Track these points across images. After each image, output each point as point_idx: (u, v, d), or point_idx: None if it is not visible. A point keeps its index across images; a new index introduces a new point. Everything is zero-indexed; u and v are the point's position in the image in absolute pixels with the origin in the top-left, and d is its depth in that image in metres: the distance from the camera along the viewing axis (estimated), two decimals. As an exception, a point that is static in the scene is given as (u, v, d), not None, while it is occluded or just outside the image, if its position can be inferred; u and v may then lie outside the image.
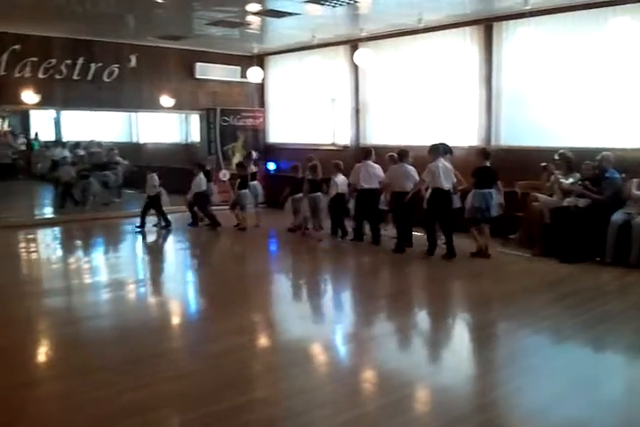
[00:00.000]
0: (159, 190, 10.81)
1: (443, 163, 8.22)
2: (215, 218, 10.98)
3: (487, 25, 9.93)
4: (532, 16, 9.00)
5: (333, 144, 12.58)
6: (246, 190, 10.79)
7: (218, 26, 10.58)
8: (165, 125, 17.20)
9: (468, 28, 10.17)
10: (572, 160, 8.45)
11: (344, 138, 12.41)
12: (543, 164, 8.78)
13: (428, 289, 7.31)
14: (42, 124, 23.51)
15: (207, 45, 12.69)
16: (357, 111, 12.18)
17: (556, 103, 9.28)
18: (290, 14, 9.64)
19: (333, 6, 9.07)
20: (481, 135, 10.17)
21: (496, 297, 6.61)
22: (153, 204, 10.91)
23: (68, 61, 11.60)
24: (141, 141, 18.33)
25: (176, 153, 15.57)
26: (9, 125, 23.64)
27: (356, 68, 11.88)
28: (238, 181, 10.94)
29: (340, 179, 9.69)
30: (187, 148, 15.90)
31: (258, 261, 9.08)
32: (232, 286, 7.31)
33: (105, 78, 12.07)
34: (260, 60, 13.67)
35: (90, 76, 11.87)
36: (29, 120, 23.86)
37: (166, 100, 12.90)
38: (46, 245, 10.48)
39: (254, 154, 12.46)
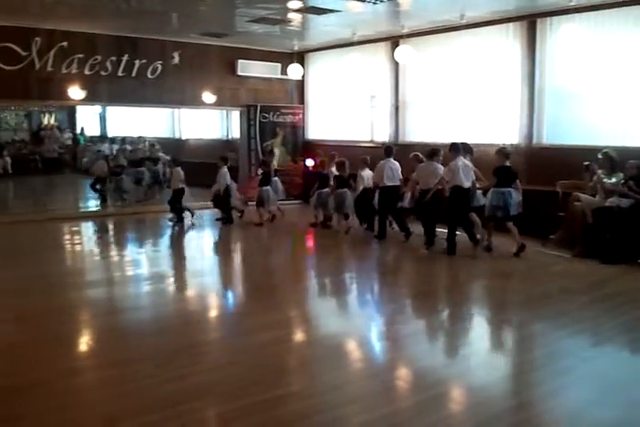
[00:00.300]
0: (183, 185, 10.92)
1: (463, 161, 8.34)
2: (231, 214, 11.13)
3: (531, 21, 9.77)
4: (577, 12, 8.83)
5: (372, 141, 12.56)
6: (268, 187, 10.94)
7: (259, 23, 10.67)
8: (207, 122, 17.43)
9: (510, 25, 10.03)
10: (615, 159, 8.27)
11: (383, 135, 12.38)
12: (586, 163, 8.62)
13: (463, 288, 7.26)
14: (87, 120, 24.10)
15: (248, 42, 12.81)
16: (397, 108, 12.13)
17: (600, 101, 9.08)
18: (331, 11, 9.67)
19: (374, 3, 9.05)
20: (522, 133, 10.03)
21: (534, 297, 6.53)
22: (178, 198, 11.00)
23: (113, 58, 11.86)
24: (183, 137, 18.62)
25: (217, 149, 15.76)
26: (56, 120, 24.27)
27: (396, 64, 11.84)
28: (260, 177, 11.15)
29: (367, 173, 9.90)
30: (227, 144, 16.10)
31: (287, 256, 9.18)
32: (265, 281, 7.41)
33: (149, 75, 12.29)
34: (300, 56, 13.73)
35: (134, 73, 12.11)
36: (75, 115, 24.48)
37: (208, 97, 13.06)
38: (87, 237, 10.76)
39: (275, 151, 12.56)
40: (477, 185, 8.49)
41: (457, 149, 8.45)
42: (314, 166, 10.96)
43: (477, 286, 7.22)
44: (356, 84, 12.85)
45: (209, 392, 4.08)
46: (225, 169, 10.92)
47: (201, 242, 10.44)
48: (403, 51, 10.79)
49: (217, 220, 11.32)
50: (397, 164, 9.46)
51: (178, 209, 11.08)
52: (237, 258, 9.40)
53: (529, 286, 7.05)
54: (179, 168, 11.02)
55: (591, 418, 3.71)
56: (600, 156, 8.38)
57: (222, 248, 10.00)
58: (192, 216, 11.19)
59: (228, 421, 3.74)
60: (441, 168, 8.72)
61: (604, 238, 7.87)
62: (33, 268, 7.89)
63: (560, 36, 9.31)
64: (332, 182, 10.24)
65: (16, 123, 23.91)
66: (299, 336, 5.54)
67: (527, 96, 9.95)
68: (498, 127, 10.34)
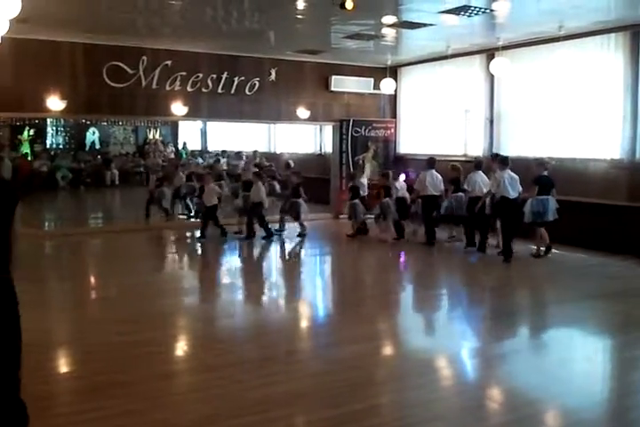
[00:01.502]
0: (216, 202, 10.70)
1: (509, 173, 8.89)
2: (253, 230, 10.85)
3: (634, 32, 9.36)
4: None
5: (465, 155, 12.39)
6: (357, 200, 10.97)
7: (354, 39, 10.82)
8: (300, 136, 17.78)
9: (612, 35, 9.65)
10: None
11: (476, 149, 12.18)
12: None
13: (563, 306, 6.94)
14: (189, 135, 25.20)
15: (342, 58, 13.00)
16: (491, 122, 11.92)
17: None
18: (424, 25, 9.67)
19: (469, 16, 8.99)
20: (624, 147, 9.58)
21: (635, 318, 6.21)
22: (211, 213, 10.74)
23: (214, 75, 12.36)
24: (278, 151, 19.08)
25: (310, 163, 16.04)
26: (160, 135, 25.52)
27: (491, 77, 11.65)
28: (350, 191, 11.25)
29: (401, 184, 10.78)
30: (320, 158, 16.34)
31: (375, 268, 9.18)
32: (354, 293, 7.45)
33: (247, 91, 12.72)
34: (393, 71, 13.77)
35: (233, 90, 12.56)
36: (178, 130, 25.65)
37: (302, 112, 13.35)
38: (184, 246, 11.16)
39: (291, 163, 12.59)
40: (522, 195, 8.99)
41: (505, 161, 9.02)
42: (380, 179, 11.37)
43: (570, 305, 6.90)
44: (450, 98, 12.73)
45: (296, 401, 4.15)
46: (259, 184, 10.74)
47: (284, 253, 10.63)
48: (498, 63, 10.60)
49: (235, 233, 11.09)
50: (439, 175, 10.19)
51: (206, 225, 10.74)
52: (326, 270, 9.51)
53: (631, 306, 6.70)
54: (212, 184, 10.95)
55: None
56: None
57: (309, 260, 10.14)
58: (225, 235, 10.81)
59: (313, 431, 3.82)
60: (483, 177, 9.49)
61: None
62: (135, 275, 8.33)
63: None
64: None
65: (124, 137, 25.36)
66: (388, 350, 5.55)
67: (630, 109, 9.50)
68: (598, 141, 9.93)
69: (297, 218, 11.10)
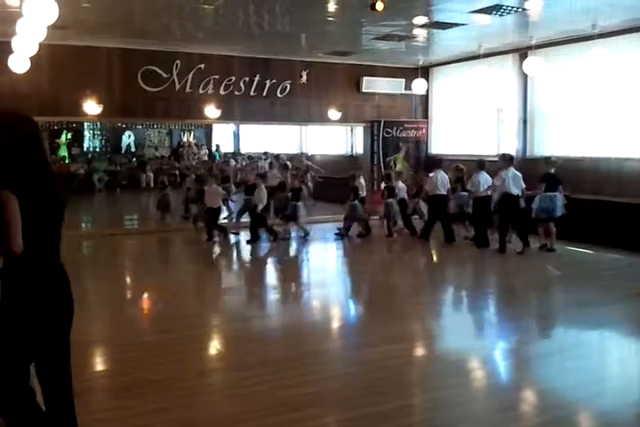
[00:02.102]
0: (220, 204, 10.59)
1: (513, 171, 9.22)
2: (257, 232, 10.71)
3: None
4: None
5: (498, 155, 12.24)
6: (392, 200, 10.96)
7: (385, 40, 10.83)
8: (332, 137, 17.82)
9: (648, 32, 9.48)
10: None
11: (509, 149, 12.04)
12: None
13: (602, 307, 6.82)
14: (222, 137, 25.45)
15: (373, 59, 13.01)
16: (525, 121, 11.79)
17: None
18: (456, 25, 9.63)
19: (501, 15, 8.92)
20: (663, 146, 9.41)
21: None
22: (214, 216, 10.59)
23: (246, 78, 12.49)
24: (310, 153, 19.14)
25: (341, 164, 16.06)
26: (194, 138, 25.84)
27: (524, 76, 11.53)
28: (385, 191, 11.22)
29: (401, 185, 11.18)
30: (351, 159, 16.35)
31: (408, 268, 9.17)
32: (385, 294, 7.45)
33: (278, 94, 12.82)
34: (424, 71, 13.72)
35: (265, 92, 12.68)
36: (212, 133, 25.92)
37: (333, 114, 13.39)
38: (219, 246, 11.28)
39: (289, 164, 12.52)
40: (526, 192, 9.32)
41: (510, 159, 9.44)
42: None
43: (612, 306, 6.77)
44: (482, 98, 12.63)
45: (326, 400, 4.18)
46: (262, 187, 10.66)
47: (321, 254, 10.67)
48: (532, 62, 10.48)
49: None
50: (446, 175, 10.49)
51: (212, 227, 10.56)
52: (358, 271, 9.51)
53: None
54: (215, 185, 10.78)
55: None
56: None
57: (340, 261, 10.17)
58: (225, 236, 10.79)
59: (343, 429, 3.84)
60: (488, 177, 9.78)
61: None
62: (168, 275, 8.47)
63: None
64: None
65: (158, 140, 25.75)
66: (419, 351, 5.54)
67: (668, 106, 9.33)
68: (633, 140, 9.75)
69: (295, 221, 10.91)
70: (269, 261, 10.14)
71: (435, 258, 10.20)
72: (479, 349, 5.40)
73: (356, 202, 10.92)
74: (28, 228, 2.73)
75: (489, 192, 9.53)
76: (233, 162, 19.80)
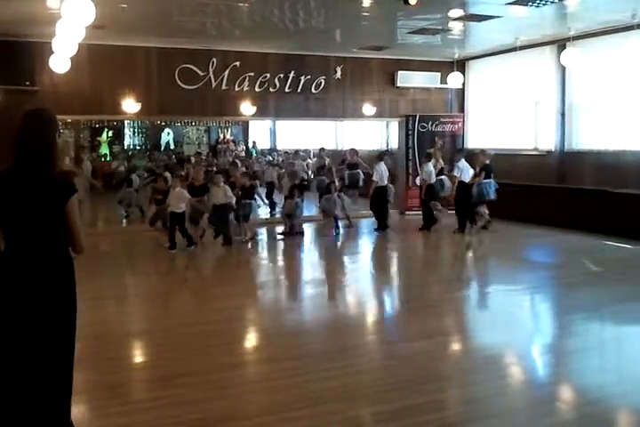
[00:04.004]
0: (184, 208, 9.32)
1: (464, 162, 10.74)
2: (254, 236, 10.55)
3: None
4: None
5: (536, 149, 12.10)
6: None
7: (420, 34, 10.76)
8: (366, 133, 17.79)
9: (692, 20, 9.21)
10: None
11: (547, 142, 11.88)
12: None
13: (633, 302, 6.71)
14: (259, 134, 25.63)
15: (408, 54, 12.94)
16: (563, 114, 11.58)
17: None
18: (492, 17, 9.51)
19: (537, 6, 8.78)
20: None
21: None
22: (179, 221, 9.36)
23: (281, 75, 12.56)
24: (345, 148, 19.13)
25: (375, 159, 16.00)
26: (231, 135, 26.08)
27: (562, 69, 11.32)
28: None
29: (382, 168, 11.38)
30: (385, 154, 16.25)
31: (444, 263, 9.11)
32: (419, 289, 7.44)
33: (312, 90, 12.85)
34: (460, 65, 13.58)
35: (299, 89, 12.73)
36: (248, 130, 26.12)
37: (368, 109, 13.36)
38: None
39: (238, 162, 12.92)
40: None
41: (458, 151, 11.43)
42: None
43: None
44: (519, 90, 12.44)
45: (355, 394, 4.20)
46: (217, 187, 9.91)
47: (358, 249, 10.69)
48: (570, 54, 10.30)
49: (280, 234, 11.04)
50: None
51: (184, 232, 9.47)
52: (392, 265, 9.54)
53: None
54: (179, 188, 9.43)
55: None
56: None
57: (373, 255, 10.20)
58: (191, 246, 9.53)
59: (371, 424, 3.86)
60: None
61: None
62: (206, 269, 8.59)
63: None
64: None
65: (197, 137, 26.07)
66: (454, 346, 5.51)
67: None
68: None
69: (290, 218, 10.76)
70: (304, 257, 10.17)
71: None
72: (514, 344, 5.33)
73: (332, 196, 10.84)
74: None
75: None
76: (269, 158, 19.94)
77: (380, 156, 11.73)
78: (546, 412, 3.96)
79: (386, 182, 11.31)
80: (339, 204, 11.04)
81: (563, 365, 4.88)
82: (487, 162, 10.61)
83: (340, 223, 11.14)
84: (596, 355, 5.08)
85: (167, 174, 11.42)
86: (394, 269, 9.32)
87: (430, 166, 11.11)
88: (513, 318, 6.27)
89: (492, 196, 10.49)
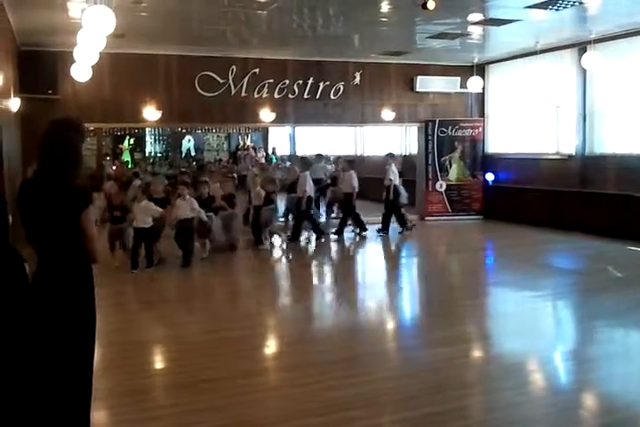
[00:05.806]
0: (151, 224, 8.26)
1: (394, 167, 11.58)
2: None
3: None
4: None
5: (557, 153, 11.97)
6: None
7: (439, 38, 10.72)
8: (386, 138, 17.76)
9: None
10: None
11: (569, 147, 11.75)
12: None
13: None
14: (278, 140, 25.75)
15: (427, 58, 12.90)
16: (584, 118, 11.46)
17: None
18: (511, 21, 9.46)
19: (557, 9, 8.71)
20: None
21: None
22: (146, 237, 8.29)
23: (300, 81, 12.59)
24: (365, 154, 19.13)
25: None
26: (251, 141, 26.23)
27: (583, 72, 11.21)
28: None
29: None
30: (405, 159, 16.24)
31: (461, 269, 9.05)
32: (440, 296, 7.39)
33: (331, 96, 12.86)
34: (480, 69, 13.50)
35: (318, 95, 12.74)
36: (268, 136, 26.26)
37: (387, 114, 13.33)
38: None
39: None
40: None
41: (391, 156, 11.91)
42: None
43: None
44: (540, 94, 12.32)
45: (377, 401, 4.17)
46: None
47: (369, 255, 10.65)
48: (591, 57, 10.20)
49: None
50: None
51: (151, 250, 8.44)
52: (412, 271, 9.49)
53: None
54: (145, 201, 8.35)
55: None
56: None
57: (395, 261, 10.17)
58: (149, 266, 8.41)
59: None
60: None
61: None
62: (224, 275, 8.62)
63: None
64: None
65: (217, 144, 26.28)
66: (477, 352, 5.45)
67: None
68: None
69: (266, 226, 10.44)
70: (325, 262, 10.16)
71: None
72: (537, 351, 5.27)
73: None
74: None
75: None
76: (288, 164, 19.95)
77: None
78: (569, 419, 3.91)
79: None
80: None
81: (586, 372, 4.80)
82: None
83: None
84: (620, 362, 4.99)
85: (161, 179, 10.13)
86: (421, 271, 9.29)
87: (394, 167, 11.52)
88: (535, 324, 6.21)
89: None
